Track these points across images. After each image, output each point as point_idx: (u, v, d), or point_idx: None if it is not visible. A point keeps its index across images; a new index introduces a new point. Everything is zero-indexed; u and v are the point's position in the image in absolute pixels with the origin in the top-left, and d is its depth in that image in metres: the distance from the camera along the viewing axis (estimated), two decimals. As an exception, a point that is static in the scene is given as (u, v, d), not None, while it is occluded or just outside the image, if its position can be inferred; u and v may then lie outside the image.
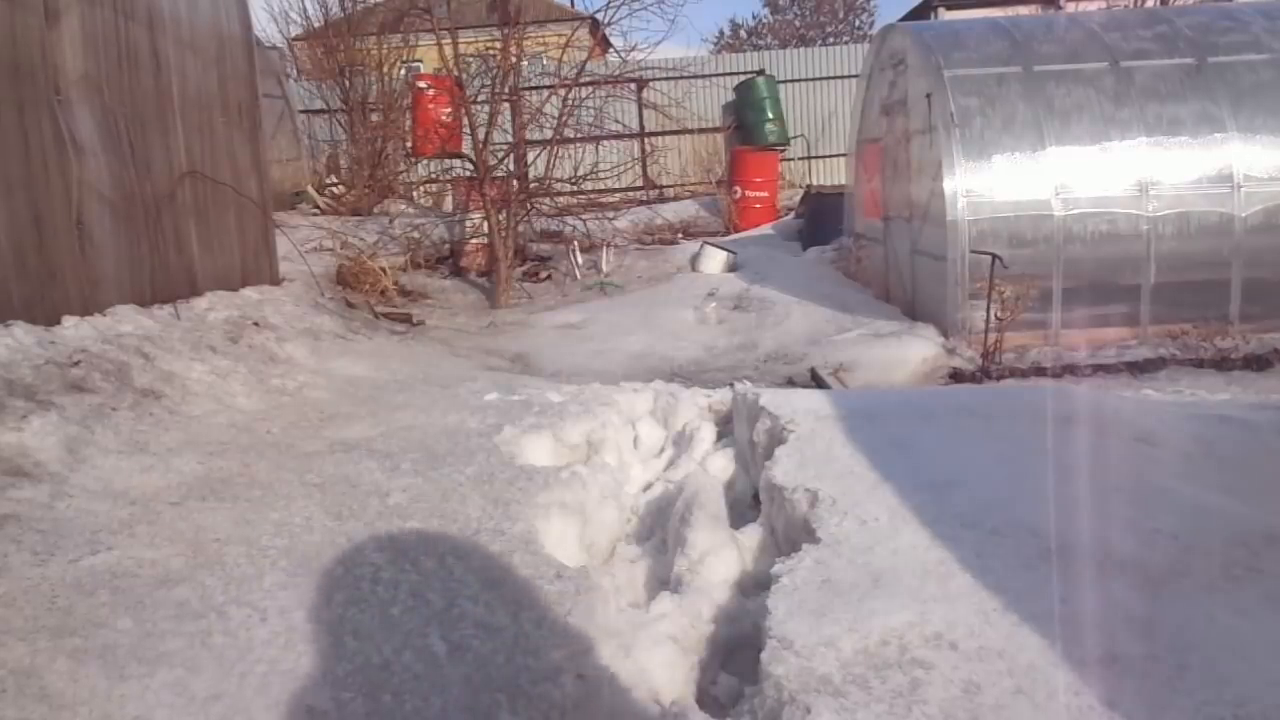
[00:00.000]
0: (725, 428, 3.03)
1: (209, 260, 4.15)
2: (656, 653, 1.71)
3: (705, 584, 1.98)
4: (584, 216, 7.82)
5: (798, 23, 30.09)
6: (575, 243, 7.80)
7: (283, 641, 1.60)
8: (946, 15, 16.95)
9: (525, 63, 8.20)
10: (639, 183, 10.89)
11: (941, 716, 1.27)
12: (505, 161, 7.52)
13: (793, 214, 9.44)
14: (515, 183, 7.50)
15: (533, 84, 8.57)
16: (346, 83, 9.37)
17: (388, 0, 9.94)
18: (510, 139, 7.76)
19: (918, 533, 1.80)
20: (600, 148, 8.62)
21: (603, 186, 8.68)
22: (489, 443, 2.60)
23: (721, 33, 31.18)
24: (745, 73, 11.93)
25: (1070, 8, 12.78)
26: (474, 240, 7.52)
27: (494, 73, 7.44)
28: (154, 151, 3.75)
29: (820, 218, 8.31)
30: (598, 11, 8.01)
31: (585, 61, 7.74)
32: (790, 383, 4.74)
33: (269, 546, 1.94)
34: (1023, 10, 13.97)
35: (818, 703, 1.31)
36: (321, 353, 3.98)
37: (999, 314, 4.89)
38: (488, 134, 7.14)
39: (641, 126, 10.89)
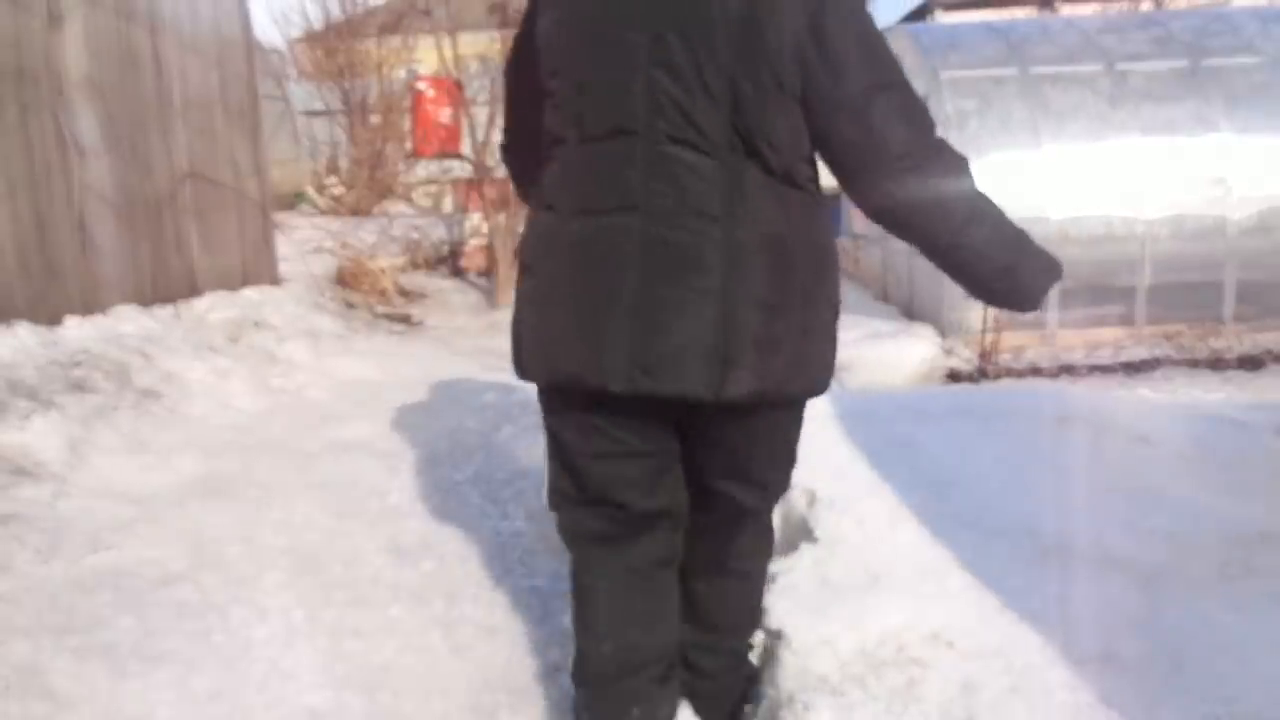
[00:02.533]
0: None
1: (209, 261, 4.16)
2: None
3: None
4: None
5: (796, 24, 30.06)
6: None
7: (283, 641, 1.60)
8: (944, 17, 16.99)
9: (524, 64, 8.20)
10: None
11: (939, 715, 1.28)
12: (504, 163, 7.52)
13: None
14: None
15: (532, 85, 8.57)
16: (346, 84, 9.38)
17: (388, 2, 9.95)
18: (509, 140, 7.77)
19: (916, 532, 1.81)
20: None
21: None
22: (489, 442, 2.61)
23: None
24: (744, 74, 11.92)
25: (1065, 11, 12.82)
26: (474, 240, 7.52)
27: (494, 74, 7.45)
28: (155, 153, 3.76)
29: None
30: (597, 13, 8.01)
31: (584, 63, 7.75)
32: (789, 384, 4.74)
33: (269, 546, 1.95)
34: (1019, 13, 14.00)
35: (816, 701, 1.32)
36: (321, 353, 3.99)
37: (996, 314, 4.91)
38: (487, 135, 7.15)
39: (640, 128, 10.87)
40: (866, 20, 1.20)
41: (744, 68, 1.13)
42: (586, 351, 1.17)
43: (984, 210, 1.24)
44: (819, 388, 1.28)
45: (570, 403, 1.26)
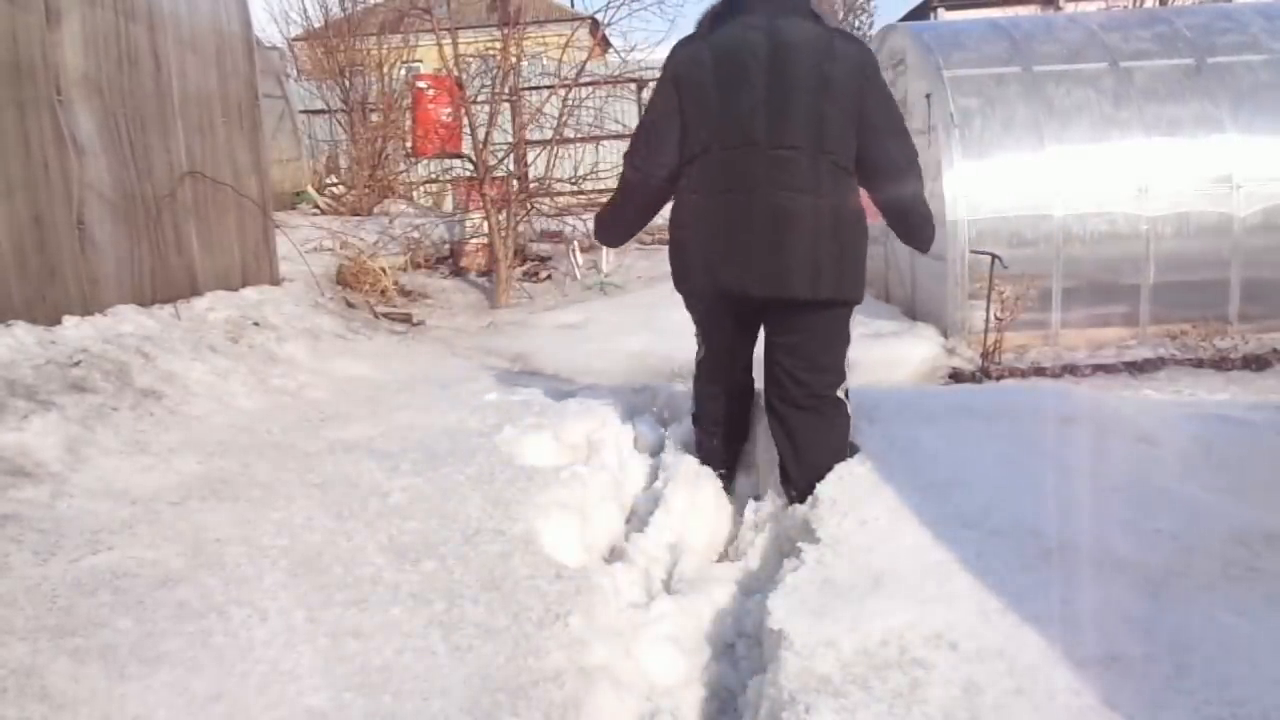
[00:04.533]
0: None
1: (209, 260, 4.15)
2: (656, 652, 1.71)
3: (698, 575, 1.98)
4: (584, 216, 7.82)
5: (797, 23, 30.01)
6: (575, 243, 7.80)
7: (283, 641, 1.60)
8: (946, 15, 16.96)
9: (525, 63, 8.20)
10: (639, 183, 10.87)
11: (941, 717, 1.27)
12: (505, 161, 7.52)
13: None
14: (515, 183, 7.51)
15: (533, 84, 8.58)
16: (347, 83, 9.38)
17: (388, 0, 9.95)
18: (510, 139, 7.76)
19: (918, 533, 1.80)
20: (600, 148, 8.62)
21: (603, 186, 8.67)
22: (489, 442, 2.60)
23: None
24: (745, 73, 11.87)
25: (1069, 8, 12.79)
26: (474, 240, 7.52)
27: (494, 73, 7.44)
28: (154, 151, 3.76)
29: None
30: (598, 11, 8.03)
31: (585, 61, 7.74)
32: (790, 383, 4.72)
33: (269, 546, 1.94)
34: (1022, 10, 13.96)
35: (818, 702, 1.31)
36: (321, 353, 3.98)
37: (999, 314, 4.90)
38: (488, 134, 7.14)
39: (641, 126, 10.87)
40: (888, 89, 2.17)
41: (821, 108, 2.06)
42: (738, 271, 2.10)
43: (923, 199, 2.24)
44: (859, 297, 2.21)
45: (708, 305, 2.27)
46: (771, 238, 2.05)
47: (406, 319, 5.76)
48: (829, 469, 2.08)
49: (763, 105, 2.05)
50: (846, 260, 2.10)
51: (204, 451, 2.52)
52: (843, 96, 2.04)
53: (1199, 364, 4.90)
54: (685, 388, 3.22)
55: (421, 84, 8.82)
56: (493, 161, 7.23)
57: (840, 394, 2.19)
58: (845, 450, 2.17)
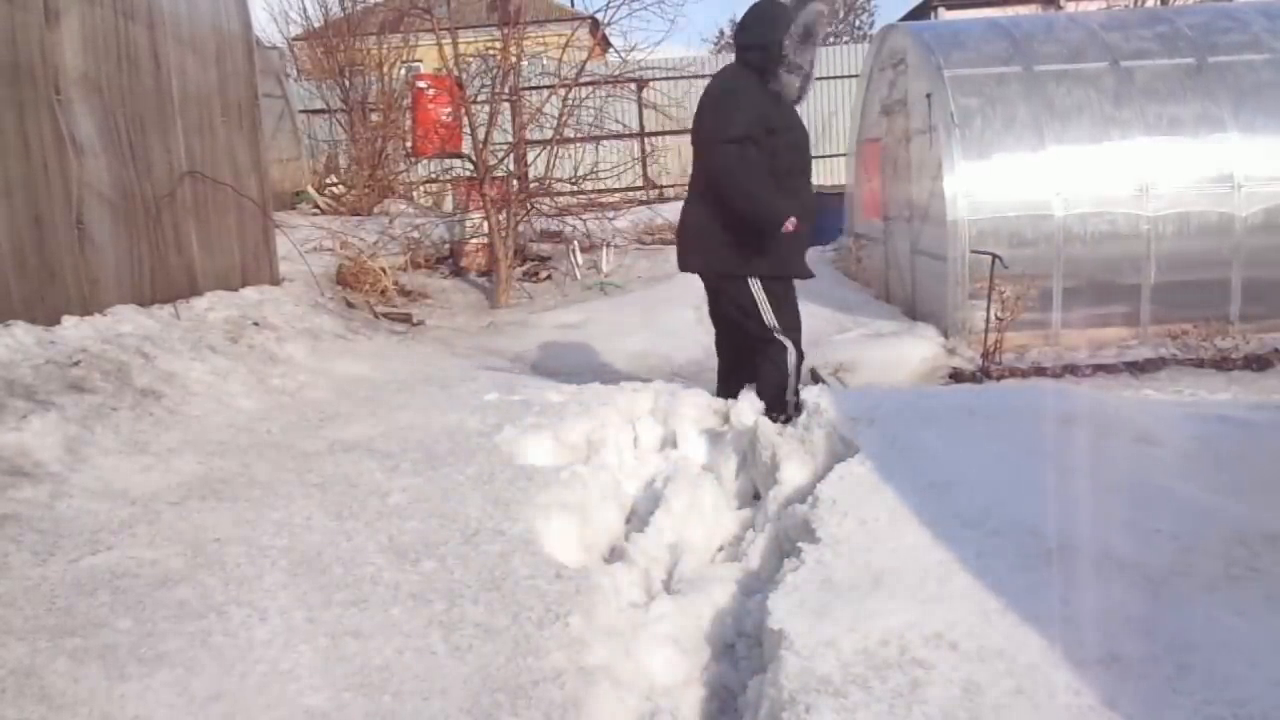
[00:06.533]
0: (725, 427, 3.02)
1: (209, 260, 4.15)
2: (656, 652, 1.71)
3: (698, 575, 1.98)
4: (584, 216, 7.82)
5: (798, 22, 30.03)
6: (575, 243, 7.80)
7: (283, 641, 1.60)
8: (946, 15, 16.95)
9: (525, 63, 8.20)
10: (639, 183, 10.89)
11: (941, 717, 1.27)
12: (505, 161, 7.52)
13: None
14: (515, 183, 7.51)
15: (533, 84, 8.57)
16: (346, 82, 9.38)
17: (388, 0, 9.95)
18: (510, 139, 7.76)
19: (918, 533, 1.80)
20: (600, 148, 8.61)
21: (603, 186, 8.67)
22: (489, 443, 2.60)
23: (721, 33, 31.19)
24: (745, 73, 11.85)
25: (1070, 7, 12.77)
26: (474, 240, 7.52)
27: (494, 73, 7.44)
28: (154, 151, 3.75)
29: (820, 218, 8.30)
30: (598, 11, 8.03)
31: (585, 61, 7.74)
32: (790, 383, 4.72)
33: (269, 546, 1.94)
34: (1023, 10, 13.96)
35: (818, 702, 1.31)
36: (321, 353, 3.98)
37: (999, 314, 4.89)
38: (488, 134, 7.14)
39: (641, 126, 10.89)
40: (725, 108, 3.11)
41: (697, 148, 3.28)
42: (681, 257, 3.39)
43: (736, 187, 3.09)
44: (746, 272, 3.14)
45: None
46: (685, 237, 3.31)
47: (406, 319, 5.76)
48: (774, 389, 3.07)
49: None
50: (726, 248, 3.11)
51: (204, 451, 2.52)
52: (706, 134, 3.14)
53: (1200, 364, 4.89)
54: (686, 387, 3.23)
55: (421, 84, 8.81)
56: (493, 161, 7.23)
57: (779, 337, 3.17)
58: (784, 375, 3.15)
